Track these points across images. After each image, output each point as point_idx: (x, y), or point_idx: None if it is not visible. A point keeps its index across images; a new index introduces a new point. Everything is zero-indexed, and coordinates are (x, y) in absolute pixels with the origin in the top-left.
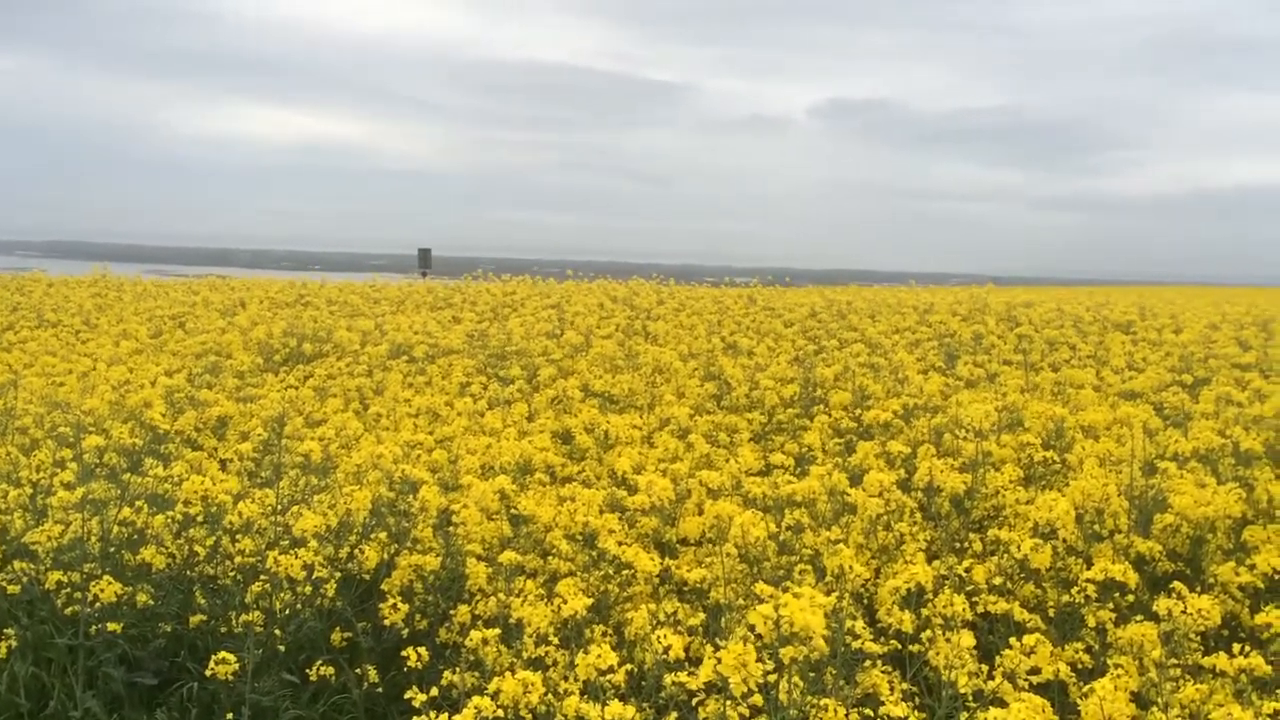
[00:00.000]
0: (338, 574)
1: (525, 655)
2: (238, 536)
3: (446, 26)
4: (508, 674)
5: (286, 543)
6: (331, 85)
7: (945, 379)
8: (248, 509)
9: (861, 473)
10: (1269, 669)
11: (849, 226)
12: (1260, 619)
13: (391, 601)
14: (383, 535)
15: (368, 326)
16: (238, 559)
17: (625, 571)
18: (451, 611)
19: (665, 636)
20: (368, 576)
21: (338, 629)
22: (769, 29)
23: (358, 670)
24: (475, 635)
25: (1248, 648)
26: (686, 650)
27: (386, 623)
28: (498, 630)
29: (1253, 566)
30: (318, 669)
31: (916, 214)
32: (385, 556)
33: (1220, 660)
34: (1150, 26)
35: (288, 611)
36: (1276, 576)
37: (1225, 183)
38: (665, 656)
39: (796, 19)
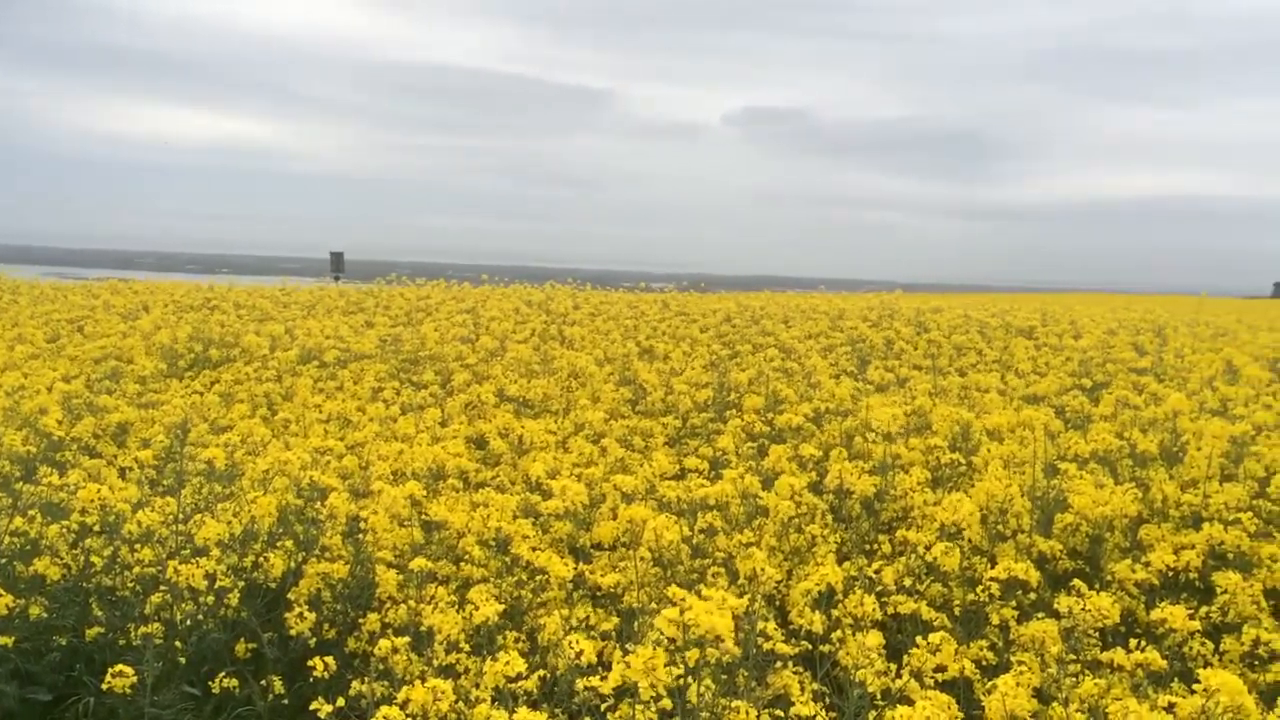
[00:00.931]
0: (241, 583)
1: (436, 663)
2: (137, 546)
3: (361, 27)
4: (417, 682)
5: (188, 552)
6: (240, 85)
7: (856, 383)
8: (147, 517)
9: (774, 476)
10: (1164, 663)
11: (764, 233)
12: (1156, 615)
13: (298, 610)
14: (289, 543)
15: (277, 331)
16: (137, 569)
17: (539, 577)
18: (361, 620)
19: (577, 641)
20: (274, 585)
21: (242, 640)
22: (686, 36)
23: (263, 682)
24: (384, 644)
25: (1144, 643)
26: (601, 655)
27: (293, 632)
28: (407, 638)
29: (1148, 564)
30: (220, 681)
31: (829, 221)
32: (292, 565)
33: (1118, 655)
34: (1052, 39)
35: (189, 623)
36: (1171, 574)
37: (1122, 193)
38: (577, 661)
39: (713, 26)
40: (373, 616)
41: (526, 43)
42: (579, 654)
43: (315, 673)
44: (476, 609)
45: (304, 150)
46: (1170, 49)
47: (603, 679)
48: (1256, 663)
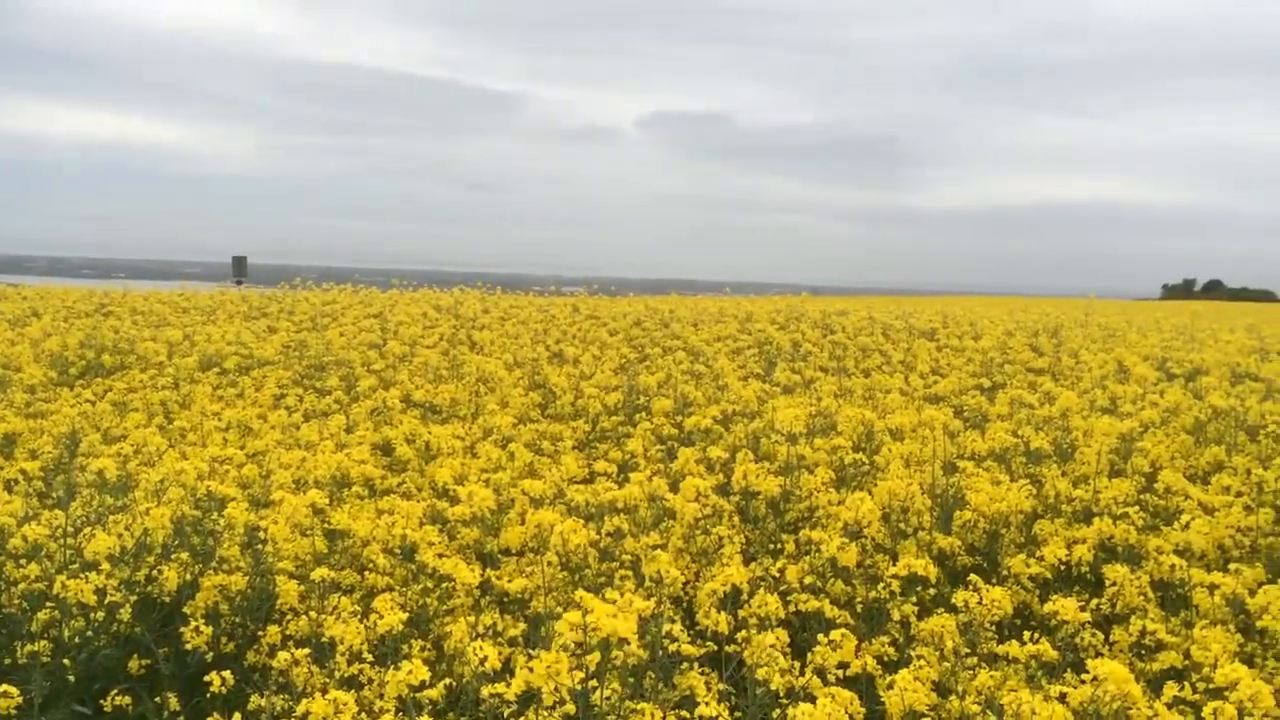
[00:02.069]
0: (134, 598)
1: (338, 674)
2: (23, 561)
3: (266, 25)
4: (318, 694)
5: (77, 566)
6: (139, 83)
7: (764, 385)
8: (34, 531)
9: (683, 478)
10: (1055, 654)
11: (675, 237)
12: (1049, 607)
13: (194, 624)
14: (185, 555)
15: (175, 337)
16: (23, 585)
17: (445, 584)
18: (260, 633)
19: (481, 648)
20: (169, 599)
21: (135, 656)
22: (598, 39)
23: (157, 699)
24: (283, 655)
25: (1038, 635)
26: (508, 661)
27: (189, 647)
28: (308, 650)
29: (1041, 558)
30: (113, 699)
31: (739, 225)
32: (188, 577)
33: (1013, 648)
34: (957, 49)
35: (79, 640)
36: (1063, 567)
37: (1021, 199)
38: (483, 668)
39: (625, 31)
40: (273, 629)
41: (436, 44)
42: (483, 660)
43: (212, 688)
44: (381, 618)
45: (206, 151)
46: (1069, 61)
47: (508, 685)
48: (1144, 652)
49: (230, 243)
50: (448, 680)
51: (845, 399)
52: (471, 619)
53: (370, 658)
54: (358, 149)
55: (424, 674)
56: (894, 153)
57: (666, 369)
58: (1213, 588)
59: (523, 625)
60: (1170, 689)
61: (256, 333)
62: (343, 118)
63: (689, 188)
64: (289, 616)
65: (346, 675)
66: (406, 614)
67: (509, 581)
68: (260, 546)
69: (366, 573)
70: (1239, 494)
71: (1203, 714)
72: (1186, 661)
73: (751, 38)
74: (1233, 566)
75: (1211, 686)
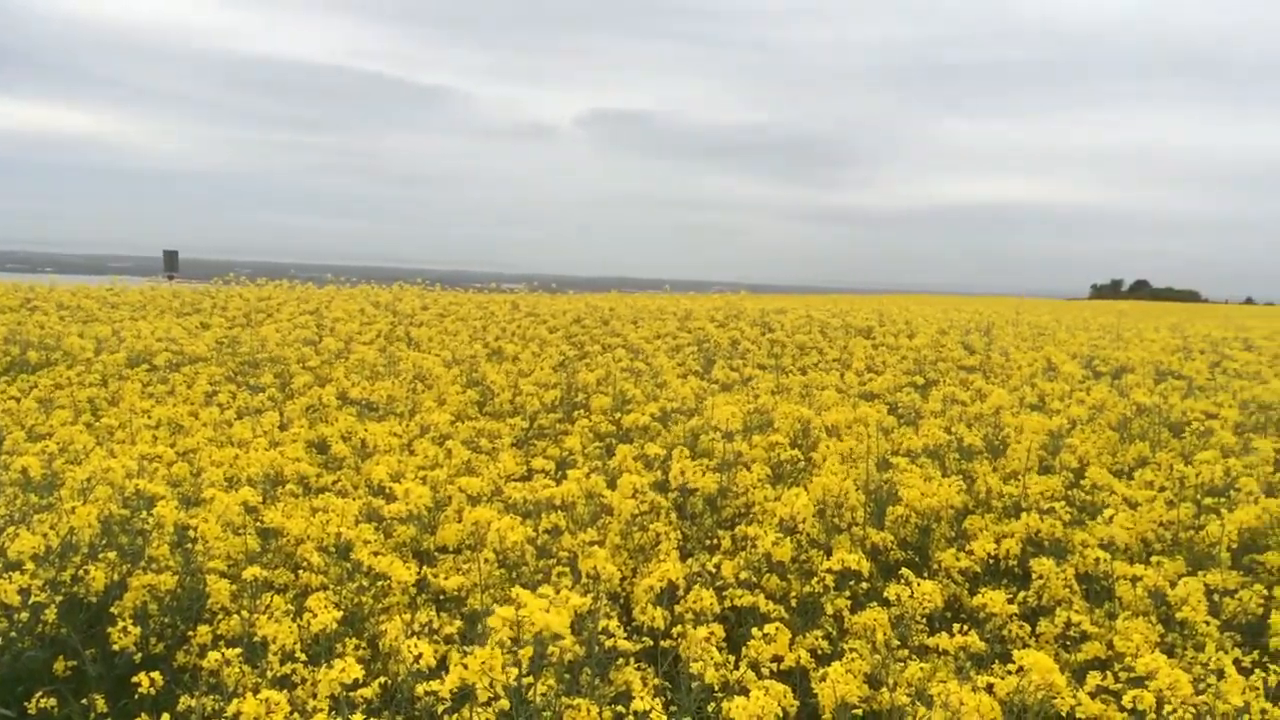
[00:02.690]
0: (60, 598)
1: (270, 674)
2: None
3: (201, 17)
4: (249, 694)
5: (0, 566)
6: (68, 74)
7: (702, 383)
8: None
9: (621, 475)
10: (983, 646)
11: (615, 235)
12: (978, 600)
13: (122, 625)
14: (113, 555)
15: (104, 333)
16: None
17: (381, 582)
18: (191, 633)
19: (416, 645)
20: (96, 599)
21: (61, 657)
22: (537, 37)
23: (84, 700)
24: (213, 655)
25: (967, 627)
26: (445, 659)
27: (116, 648)
28: (240, 650)
29: (971, 552)
30: (38, 701)
31: (678, 224)
32: (115, 577)
33: (943, 640)
34: (894, 50)
35: (2, 641)
36: (992, 561)
37: (956, 200)
38: (417, 666)
39: (565, 28)
40: (203, 629)
41: (374, 39)
42: (418, 658)
43: (141, 689)
44: (315, 617)
45: (138, 144)
46: (1003, 62)
47: (444, 683)
48: (1069, 643)
49: (162, 237)
50: (383, 679)
51: (782, 396)
52: (407, 617)
53: (303, 657)
54: (293, 143)
55: (357, 672)
56: (832, 152)
57: (606, 366)
58: (1135, 580)
59: (459, 623)
60: (1093, 678)
61: (188, 329)
62: (278, 112)
63: (629, 186)
64: (220, 616)
65: (279, 675)
66: (341, 613)
67: (445, 579)
68: (191, 545)
69: (300, 571)
70: (1162, 489)
71: (1123, 702)
72: (1110, 652)
73: (691, 36)
74: (1155, 559)
75: (1133, 676)
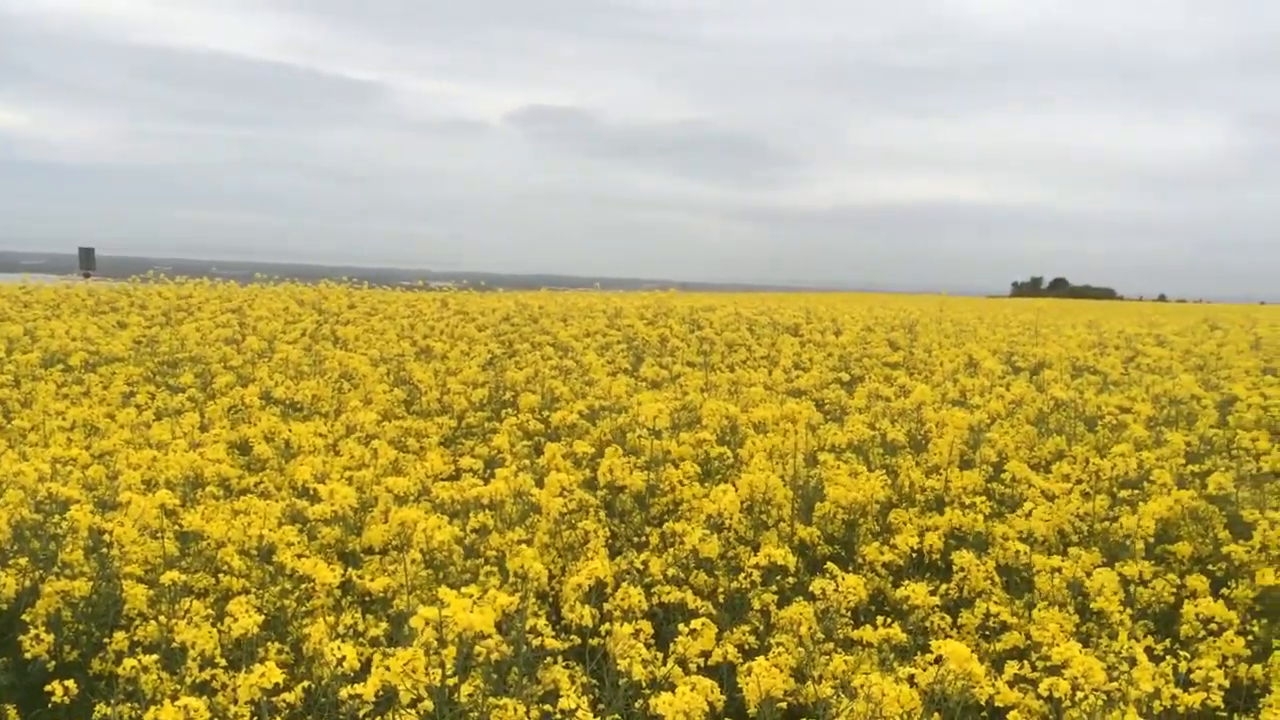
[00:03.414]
0: None
1: (189, 680)
2: None
3: (118, 6)
4: (167, 702)
5: None
6: None
7: (631, 380)
8: None
9: (549, 474)
10: (905, 637)
11: (546, 232)
12: (901, 593)
13: (34, 632)
14: (24, 561)
15: (15, 332)
16: None
17: (305, 585)
18: (107, 640)
19: (340, 648)
20: (6, 606)
21: None
22: (465, 31)
23: None
24: (130, 662)
25: (891, 619)
26: (370, 662)
27: (28, 656)
28: (157, 656)
29: (895, 546)
30: None
31: (609, 221)
32: (27, 584)
33: (866, 632)
34: (825, 50)
35: None
36: (915, 554)
37: (881, 199)
38: (340, 669)
39: (493, 23)
40: (120, 635)
41: (297, 31)
42: (341, 660)
43: (54, 698)
44: (235, 621)
45: (53, 137)
46: (929, 65)
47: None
48: (989, 633)
49: (77, 234)
50: (306, 682)
51: (711, 393)
52: (331, 619)
53: (223, 662)
54: (215, 138)
55: (278, 676)
56: (760, 151)
57: (535, 365)
58: (1053, 571)
59: (385, 624)
60: (1011, 667)
61: (105, 328)
62: (199, 105)
63: (560, 183)
64: (137, 622)
65: (198, 681)
66: (263, 616)
67: (371, 580)
68: (106, 550)
69: (221, 575)
70: (1078, 482)
71: (1040, 690)
72: (1028, 641)
73: (622, 33)
74: (1072, 551)
75: (1050, 664)
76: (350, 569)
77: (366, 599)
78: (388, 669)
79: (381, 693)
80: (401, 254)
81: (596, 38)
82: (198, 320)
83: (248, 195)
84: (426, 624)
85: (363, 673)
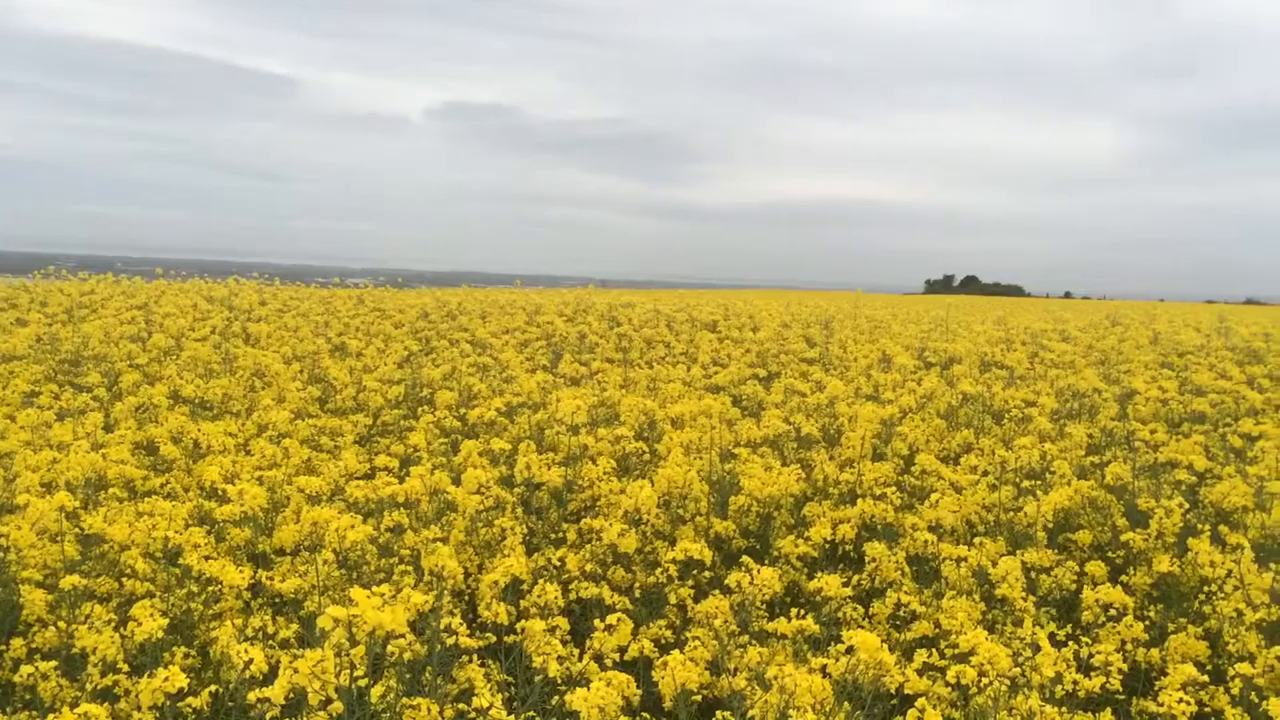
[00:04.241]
0: None
1: (90, 687)
2: None
3: None
4: (66, 709)
5: None
6: None
7: (550, 377)
8: None
9: (466, 470)
10: (817, 628)
11: (465, 229)
12: (814, 585)
13: None
14: None
15: None
16: None
17: (212, 587)
18: (3, 647)
19: (246, 651)
20: None
21: None
22: (383, 25)
23: None
24: (26, 669)
25: (805, 611)
26: (279, 664)
27: None
28: (56, 663)
29: (809, 539)
30: None
31: (530, 218)
32: None
33: (781, 625)
34: (742, 49)
35: None
36: (829, 546)
37: (797, 196)
38: (248, 672)
39: (412, 17)
40: (17, 642)
41: (208, 22)
42: (249, 664)
43: None
44: (139, 626)
45: None
46: (849, 64)
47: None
48: (899, 623)
49: None
50: (213, 687)
51: (629, 389)
52: (239, 622)
53: (126, 668)
54: (121, 130)
55: (182, 681)
56: (679, 149)
57: (452, 362)
58: (960, 560)
59: (295, 626)
60: (920, 656)
61: (3, 325)
62: (105, 97)
63: (480, 179)
64: (36, 628)
65: (100, 687)
66: (168, 620)
67: (282, 582)
68: (3, 555)
69: (124, 579)
70: (985, 473)
71: (947, 677)
72: (937, 630)
73: (541, 30)
74: (978, 540)
75: (957, 652)
76: (260, 570)
77: (277, 601)
78: (296, 670)
79: (291, 695)
80: (317, 251)
81: (515, 34)
82: (102, 317)
83: (155, 190)
84: (336, 624)
85: (272, 675)
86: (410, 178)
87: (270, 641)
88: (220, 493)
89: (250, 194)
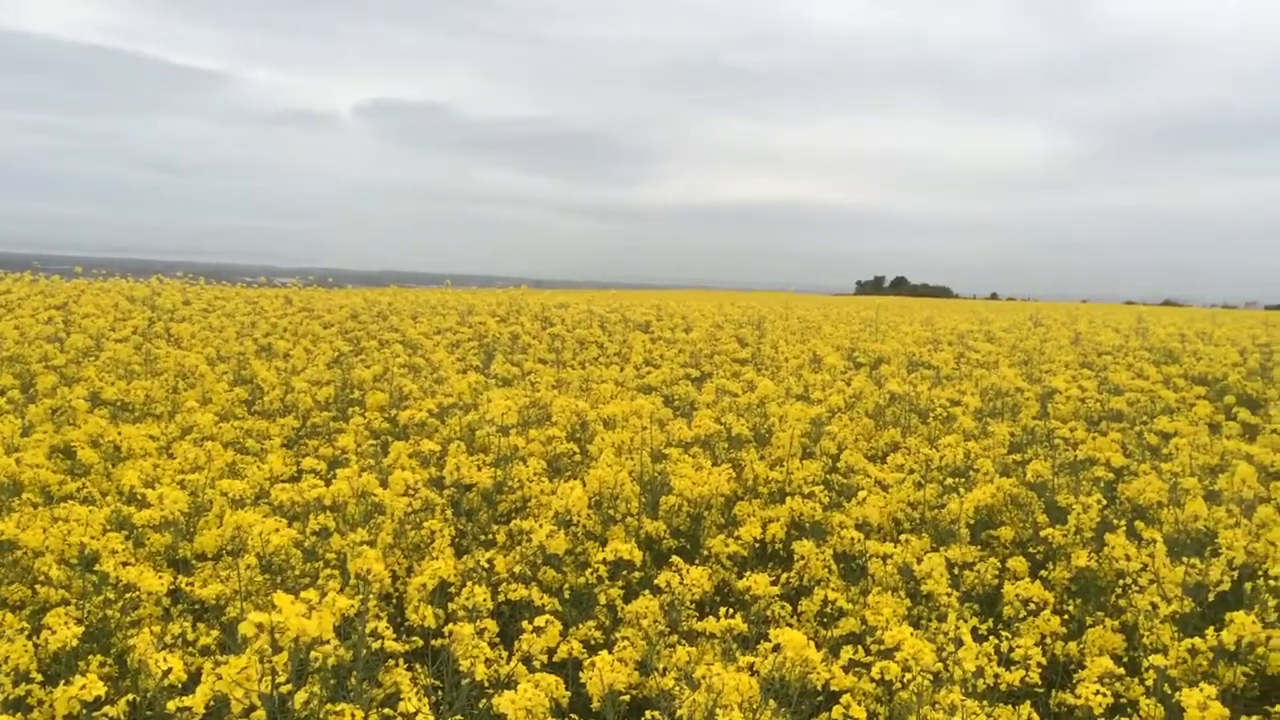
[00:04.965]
0: None
1: (3, 697)
2: None
3: None
4: None
5: None
6: None
7: (482, 378)
8: None
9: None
10: (745, 627)
11: (398, 228)
12: (743, 584)
13: None
14: None
15: None
16: None
17: (130, 594)
18: None
19: (165, 659)
20: None
21: None
22: (311, 20)
23: None
24: None
25: (734, 610)
26: (200, 671)
27: None
28: None
29: (739, 538)
30: None
31: (463, 217)
32: None
33: (710, 624)
34: (673, 50)
35: None
36: (759, 545)
37: (730, 198)
38: (167, 680)
39: (339, 12)
40: None
41: (126, 14)
42: (167, 672)
43: None
44: (53, 634)
45: None
46: (781, 67)
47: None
48: (827, 620)
49: None
50: (131, 696)
51: (562, 390)
52: (158, 629)
53: (39, 677)
54: (36, 125)
55: (99, 689)
56: (613, 149)
57: (383, 362)
58: (886, 558)
59: (217, 632)
60: (846, 652)
61: None
62: (18, 90)
63: (412, 178)
64: None
65: (13, 697)
66: (84, 628)
67: (203, 588)
68: None
69: (38, 586)
70: (911, 471)
71: (872, 673)
72: (863, 626)
73: (471, 28)
74: (903, 537)
75: (883, 648)
76: (181, 576)
77: (198, 607)
78: (220, 678)
79: (213, 703)
80: (244, 249)
81: (444, 32)
82: (17, 318)
83: (70, 186)
84: (259, 630)
85: (193, 683)
86: (340, 176)
87: (190, 649)
88: (140, 497)
89: (177, 192)
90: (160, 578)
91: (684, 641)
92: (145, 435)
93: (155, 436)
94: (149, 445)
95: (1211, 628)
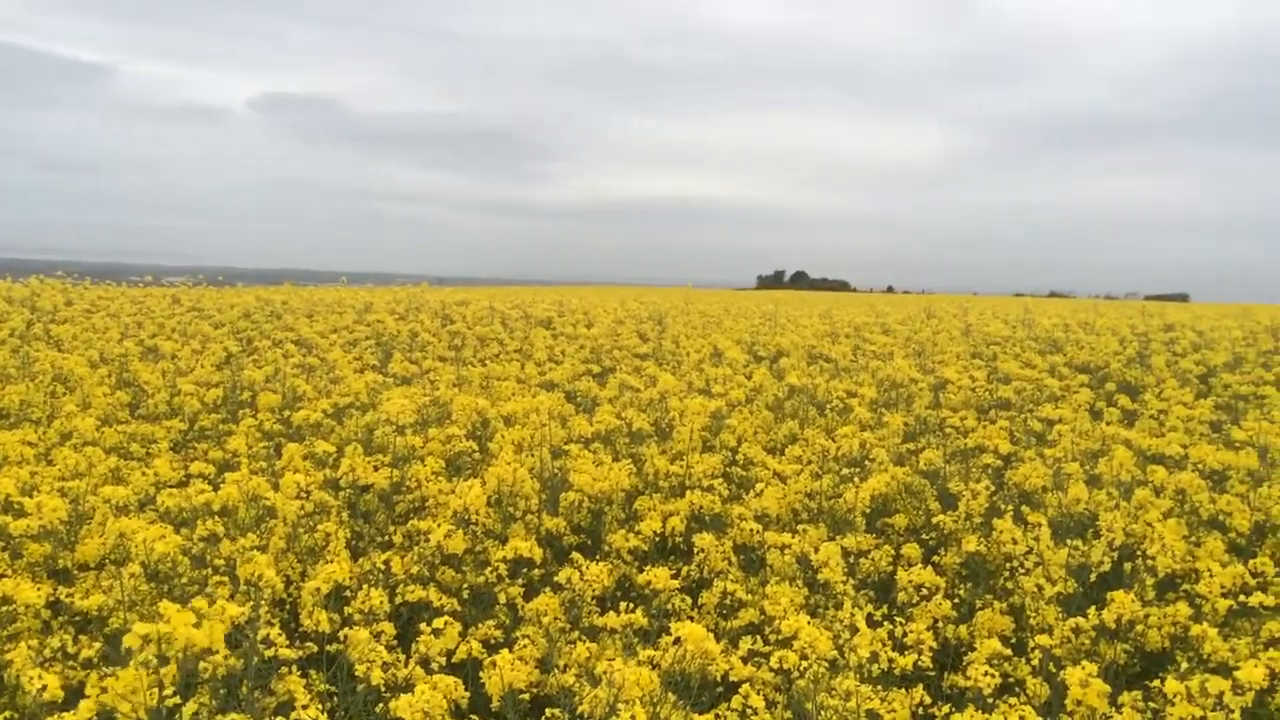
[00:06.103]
0: None
1: None
2: None
3: None
4: None
5: None
6: None
7: (379, 377)
8: None
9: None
10: (645, 621)
11: (293, 225)
12: (644, 578)
13: None
14: None
15: None
16: None
17: (6, 607)
18: None
19: (40, 676)
20: None
21: None
22: (200, 12)
23: None
24: None
25: (635, 605)
26: (84, 686)
27: None
28: None
29: (639, 532)
30: None
31: (360, 214)
32: None
33: (610, 619)
34: (578, 47)
35: None
36: (659, 539)
37: (630, 194)
38: (43, 697)
39: (233, 6)
40: None
41: (8, 4)
42: (43, 689)
43: None
44: None
45: None
46: (685, 65)
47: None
48: (727, 611)
49: None
50: (8, 713)
51: (462, 388)
52: (36, 643)
53: None
54: None
55: None
56: (516, 146)
57: (275, 363)
58: (784, 548)
59: (100, 644)
60: (746, 643)
61: None
62: None
63: (307, 174)
64: None
65: None
66: None
67: (84, 598)
68: None
69: None
70: (809, 462)
71: (771, 663)
72: (762, 616)
73: (368, 21)
74: (801, 528)
75: (781, 638)
76: (62, 587)
77: (80, 619)
78: (104, 691)
79: (96, 719)
80: (131, 248)
81: (342, 25)
82: None
83: None
84: (144, 642)
85: (76, 697)
86: (232, 171)
87: (72, 662)
88: (17, 506)
89: (57, 188)
90: (39, 589)
91: (585, 638)
92: (21, 441)
93: (33, 442)
94: (26, 451)
95: (1094, 607)
